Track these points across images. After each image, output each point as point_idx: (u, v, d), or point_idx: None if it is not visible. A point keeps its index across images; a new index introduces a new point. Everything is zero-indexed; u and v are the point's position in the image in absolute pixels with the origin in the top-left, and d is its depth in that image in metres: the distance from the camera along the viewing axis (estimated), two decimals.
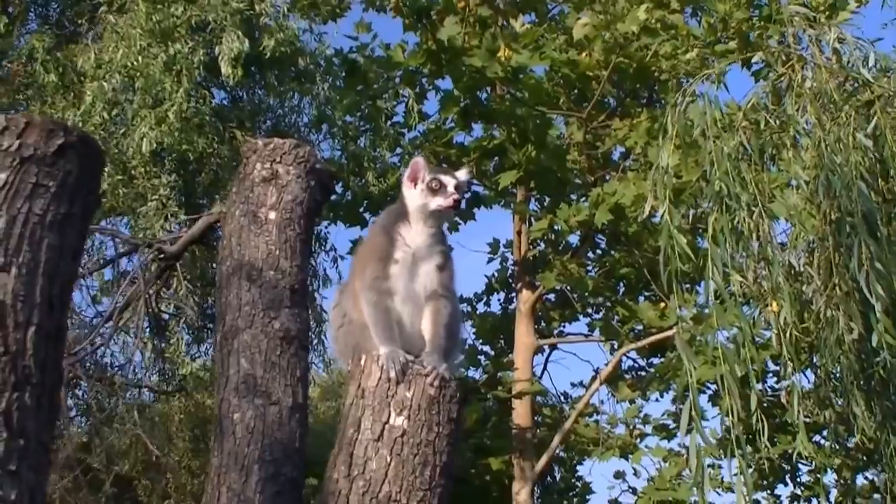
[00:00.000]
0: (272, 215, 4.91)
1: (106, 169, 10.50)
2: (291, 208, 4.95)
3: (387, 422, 3.47)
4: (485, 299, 14.78)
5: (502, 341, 14.23)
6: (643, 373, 13.62)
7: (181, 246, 5.51)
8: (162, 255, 5.52)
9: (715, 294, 5.86)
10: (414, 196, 3.83)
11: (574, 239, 12.97)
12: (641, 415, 12.70)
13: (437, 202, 3.79)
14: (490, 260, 14.45)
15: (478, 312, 14.44)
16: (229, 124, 12.49)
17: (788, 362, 6.34)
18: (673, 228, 5.82)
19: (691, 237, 9.12)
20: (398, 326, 3.68)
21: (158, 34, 10.79)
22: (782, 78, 6.66)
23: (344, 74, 12.53)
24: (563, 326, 14.48)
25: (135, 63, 10.76)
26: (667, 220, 5.85)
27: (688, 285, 10.12)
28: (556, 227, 11.66)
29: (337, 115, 13.27)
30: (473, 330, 14.15)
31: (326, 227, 13.86)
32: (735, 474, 5.58)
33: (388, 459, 3.44)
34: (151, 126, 10.51)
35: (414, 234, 3.77)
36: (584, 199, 11.93)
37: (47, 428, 3.16)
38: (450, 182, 3.84)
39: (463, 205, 3.90)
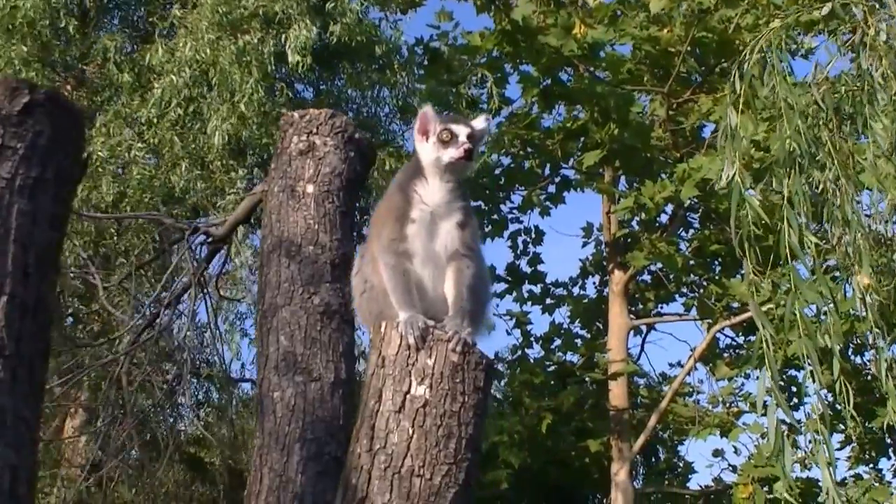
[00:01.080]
0: (310, 189, 4.79)
1: (183, 164, 10.66)
2: (329, 180, 4.82)
3: (408, 392, 3.26)
4: (580, 283, 14.55)
5: (599, 324, 14.00)
6: (741, 351, 13.25)
7: (228, 228, 5.42)
8: (210, 239, 5.45)
9: (792, 255, 5.54)
10: (426, 150, 3.57)
11: (665, 218, 12.70)
12: (740, 392, 12.41)
13: (450, 154, 3.52)
14: (585, 243, 14.24)
15: (573, 296, 14.22)
16: None
17: (876, 329, 5.99)
18: (744, 191, 5.52)
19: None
20: (419, 290, 3.46)
21: (227, 26, 10.80)
22: (854, 32, 6.29)
23: (426, 62, 12.46)
24: (661, 307, 14.20)
25: (204, 56, 10.79)
26: (737, 183, 5.55)
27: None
28: (642, 206, 11.36)
29: (417, 103, 13.16)
30: (568, 313, 14.00)
31: None
32: (815, 446, 5.28)
33: (410, 432, 3.23)
34: (224, 118, 10.54)
35: (431, 191, 3.53)
36: (670, 175, 11.62)
37: (28, 403, 3.03)
38: (462, 131, 3.57)
39: (474, 155, 3.59)
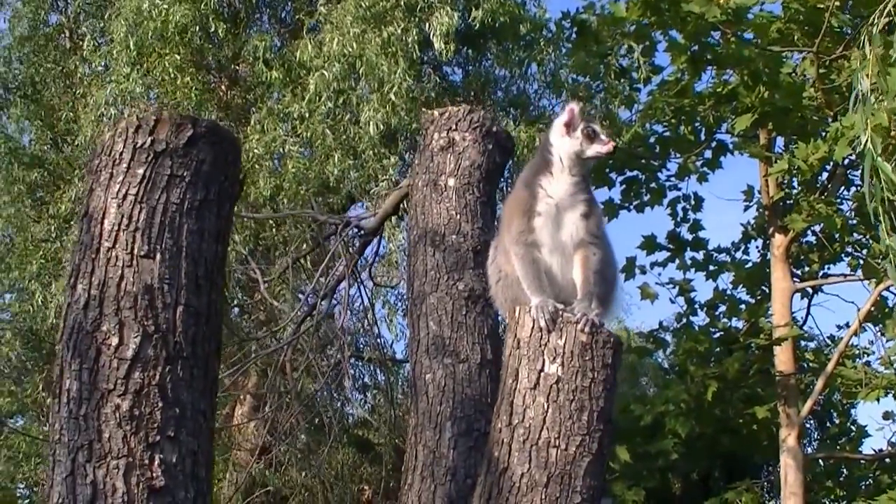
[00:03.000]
0: (451, 182, 5.08)
1: (336, 155, 11.11)
2: (469, 173, 5.10)
3: (541, 370, 3.52)
4: (742, 248, 14.41)
5: (766, 287, 13.84)
6: None
7: (378, 221, 5.76)
8: (361, 232, 5.79)
9: None
10: (567, 143, 3.81)
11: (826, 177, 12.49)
12: None
13: (596, 149, 3.79)
14: (746, 207, 14.08)
15: (736, 261, 14.11)
16: (457, 98, 12.75)
17: None
18: (876, 158, 5.51)
19: None
20: (548, 277, 3.71)
21: (371, 19, 11.14)
22: None
23: (574, 36, 12.56)
24: (827, 268, 13.95)
25: (351, 50, 11.17)
26: (869, 150, 5.55)
27: None
28: (797, 168, 11.22)
29: (566, 78, 13.30)
30: (731, 279, 13.93)
31: None
32: None
33: (545, 406, 3.49)
34: (375, 108, 10.90)
35: (556, 185, 3.77)
36: (824, 135, 11.42)
37: (205, 397, 3.49)
38: (601, 130, 3.86)
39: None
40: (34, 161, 14.07)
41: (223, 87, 13.85)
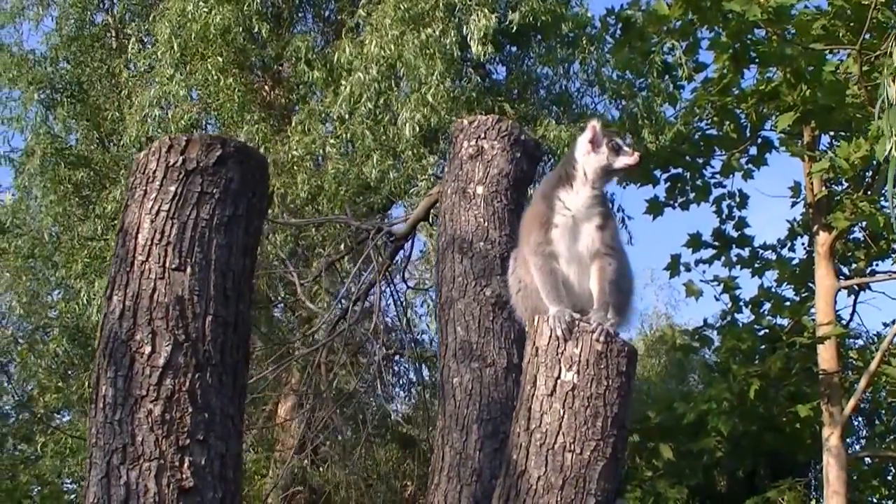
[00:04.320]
0: (479, 189, 5.19)
1: (375, 156, 11.26)
2: (497, 181, 5.21)
3: (558, 377, 3.63)
4: (788, 244, 14.37)
5: (812, 284, 13.79)
6: None
7: (409, 226, 5.89)
8: (392, 237, 5.92)
9: None
10: (594, 159, 3.91)
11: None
12: None
13: (623, 161, 3.91)
14: (793, 204, 14.04)
15: (781, 258, 14.08)
16: (498, 98, 12.84)
17: None
18: None
19: None
20: (566, 287, 3.83)
21: (410, 21, 11.24)
22: None
23: (618, 33, 12.60)
24: (876, 265, 13.88)
25: (389, 52, 11.28)
26: (893, 157, 5.57)
27: None
28: (838, 167, 11.19)
29: (605, 76, 13.36)
30: (775, 277, 13.91)
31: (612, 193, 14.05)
32: None
33: (561, 413, 3.60)
34: (412, 109, 11.01)
35: (575, 198, 3.87)
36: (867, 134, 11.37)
37: (233, 402, 3.69)
38: (623, 143, 3.96)
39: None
40: (80, 160, 14.24)
41: (266, 87, 14.01)
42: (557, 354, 3.65)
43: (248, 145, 4.16)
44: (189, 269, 3.66)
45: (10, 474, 15.93)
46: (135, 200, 3.82)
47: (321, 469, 11.23)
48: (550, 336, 3.66)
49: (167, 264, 3.67)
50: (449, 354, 4.93)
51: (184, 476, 3.48)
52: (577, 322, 3.65)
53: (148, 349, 3.58)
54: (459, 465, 4.71)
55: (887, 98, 5.81)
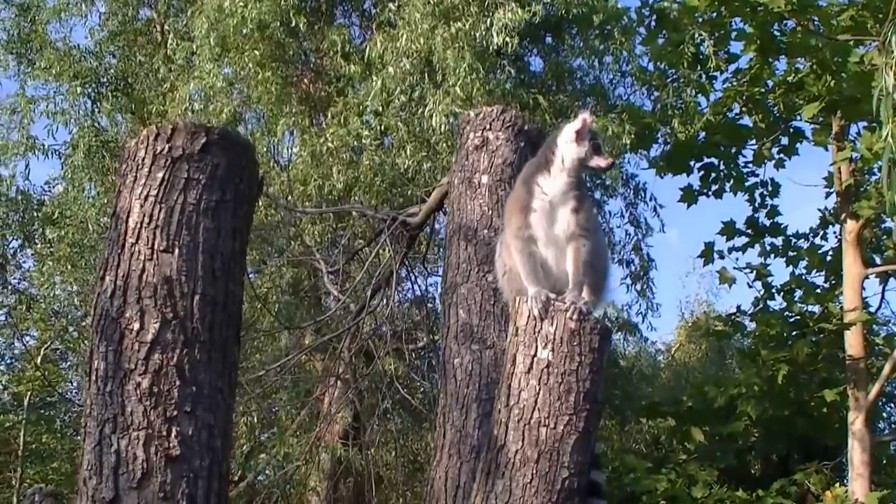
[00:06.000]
0: (484, 179, 5.47)
1: (409, 147, 11.54)
2: (502, 170, 5.48)
3: (534, 355, 3.85)
4: (820, 233, 14.50)
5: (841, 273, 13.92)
6: None
7: (423, 217, 6.18)
8: (407, 227, 6.23)
9: None
10: (574, 149, 4.11)
11: None
12: None
13: (597, 161, 4.12)
14: (828, 194, 14.17)
15: (812, 246, 14.22)
16: (532, 90, 13.05)
17: None
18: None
19: None
20: (544, 269, 4.07)
21: (440, 16, 11.47)
22: None
23: (652, 24, 12.80)
24: None
25: (419, 46, 11.52)
26: (889, 143, 5.78)
27: None
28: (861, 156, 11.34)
29: (641, 66, 13.56)
30: (805, 264, 14.05)
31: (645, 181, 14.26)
32: None
33: (537, 389, 3.83)
34: (438, 102, 11.26)
35: (552, 184, 4.10)
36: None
37: (222, 377, 3.97)
38: (604, 146, 4.24)
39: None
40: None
41: (305, 80, 14.27)
42: (534, 333, 3.86)
43: (232, 132, 4.42)
44: (177, 251, 3.92)
45: (69, 458, 16.40)
46: (126, 186, 4.10)
47: (369, 454, 11.49)
48: (528, 316, 3.88)
49: (155, 246, 3.92)
50: (450, 336, 5.20)
51: (171, 445, 3.75)
52: (552, 301, 3.87)
53: (137, 326, 3.84)
54: (459, 443, 4.97)
55: (885, 87, 5.99)
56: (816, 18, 11.41)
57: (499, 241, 4.46)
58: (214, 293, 3.97)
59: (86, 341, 15.27)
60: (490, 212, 5.40)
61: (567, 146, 4.14)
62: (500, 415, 3.95)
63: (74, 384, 17.37)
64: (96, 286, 4.07)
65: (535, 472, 3.83)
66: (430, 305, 10.41)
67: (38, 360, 15.94)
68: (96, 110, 14.98)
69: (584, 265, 4.05)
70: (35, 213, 15.99)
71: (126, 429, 3.75)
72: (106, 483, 3.71)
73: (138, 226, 3.97)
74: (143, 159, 4.08)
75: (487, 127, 5.59)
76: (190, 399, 3.82)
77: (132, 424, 3.76)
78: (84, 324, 15.64)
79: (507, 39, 11.42)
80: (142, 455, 3.72)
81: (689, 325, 24.76)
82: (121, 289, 3.91)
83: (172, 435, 3.76)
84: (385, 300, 6.85)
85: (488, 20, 11.55)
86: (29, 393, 16.14)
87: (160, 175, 4.02)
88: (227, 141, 4.18)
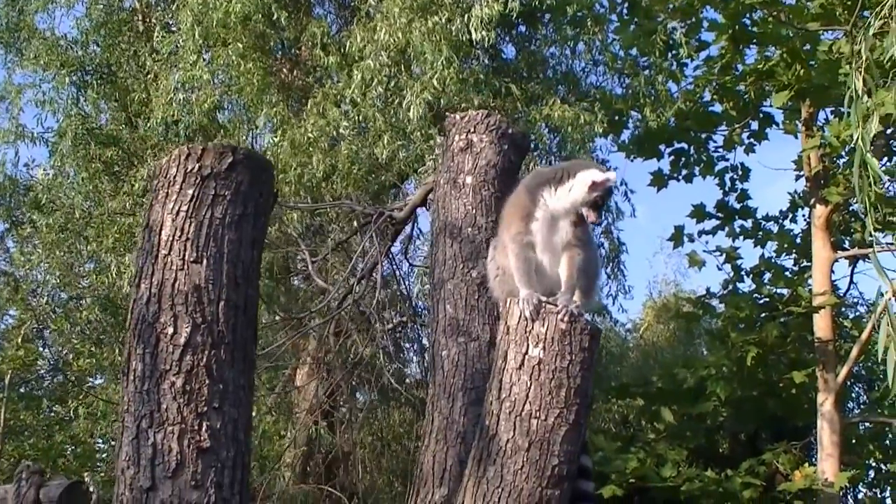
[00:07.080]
0: (468, 180, 5.70)
1: (385, 137, 11.76)
2: (485, 171, 5.71)
3: (526, 353, 4.12)
4: (790, 216, 14.74)
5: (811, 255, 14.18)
6: None
7: (408, 212, 6.40)
8: (393, 221, 6.43)
9: None
10: (580, 193, 4.31)
11: None
12: None
13: (588, 213, 4.33)
14: (798, 177, 14.39)
15: (783, 230, 14.46)
16: (505, 79, 13.25)
17: None
18: (865, 154, 5.86)
19: None
20: (539, 272, 4.35)
21: (418, 10, 11.66)
22: None
23: (625, 12, 12.99)
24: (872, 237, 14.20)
25: (397, 40, 11.72)
26: (859, 146, 5.90)
27: None
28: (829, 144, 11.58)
29: (609, 55, 13.78)
30: (774, 247, 14.31)
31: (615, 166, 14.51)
32: None
33: (528, 384, 4.09)
34: (416, 94, 11.47)
35: (556, 201, 4.35)
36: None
37: (243, 374, 4.33)
38: (603, 209, 4.49)
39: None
40: (110, 140, 14.71)
41: (285, 70, 14.43)
42: (526, 333, 4.12)
43: (255, 152, 4.76)
44: (205, 262, 4.27)
45: (46, 434, 16.75)
46: (158, 201, 4.41)
47: (338, 431, 11.76)
48: (520, 317, 4.14)
49: (186, 257, 4.26)
50: (439, 330, 5.45)
51: (202, 438, 4.09)
52: (544, 304, 4.13)
53: (171, 330, 4.19)
54: (446, 429, 5.22)
55: (855, 90, 6.12)
56: (786, 11, 11.63)
57: (492, 244, 4.73)
58: (237, 298, 4.32)
59: (68, 322, 15.53)
60: (474, 211, 5.62)
61: (580, 186, 4.34)
62: (492, 406, 4.19)
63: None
64: (132, 293, 4.41)
65: (525, 459, 4.08)
66: (401, 287, 10.66)
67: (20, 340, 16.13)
68: (82, 98, 15.09)
69: (577, 271, 4.33)
70: (21, 199, 16.10)
71: (162, 424, 4.10)
72: (143, 473, 4.06)
73: (171, 238, 4.31)
74: (175, 177, 4.40)
75: (472, 130, 5.81)
76: (217, 396, 4.18)
77: (167, 420, 4.10)
78: (69, 305, 15.95)
79: (485, 34, 11.61)
80: (176, 447, 4.07)
81: (658, 305, 25.07)
82: (155, 296, 4.25)
83: (203, 429, 4.11)
84: (373, 288, 7.07)
85: (465, 15, 11.72)
86: (10, 371, 16.28)
87: (190, 192, 4.34)
88: (251, 159, 4.53)
